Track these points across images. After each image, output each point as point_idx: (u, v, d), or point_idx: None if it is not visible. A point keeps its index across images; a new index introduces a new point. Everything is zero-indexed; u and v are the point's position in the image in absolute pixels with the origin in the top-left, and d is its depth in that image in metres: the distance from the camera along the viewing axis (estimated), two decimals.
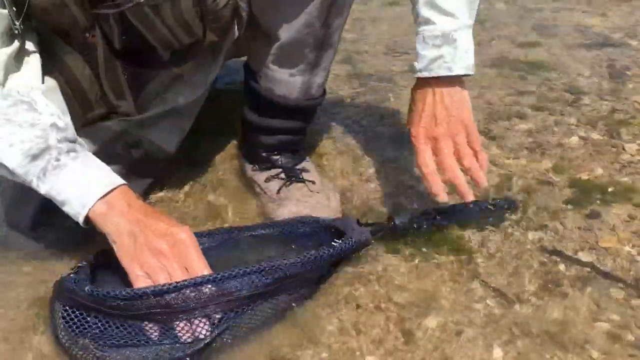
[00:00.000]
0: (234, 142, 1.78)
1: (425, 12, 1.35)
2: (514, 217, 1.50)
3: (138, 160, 1.48)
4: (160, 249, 1.04)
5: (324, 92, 1.59)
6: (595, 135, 1.82)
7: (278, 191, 1.55)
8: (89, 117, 1.34)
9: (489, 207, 1.46)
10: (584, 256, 1.38)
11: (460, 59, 1.34)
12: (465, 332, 1.19)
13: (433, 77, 1.34)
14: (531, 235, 1.45)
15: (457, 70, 1.34)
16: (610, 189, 1.59)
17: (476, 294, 1.28)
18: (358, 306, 1.25)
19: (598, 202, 1.54)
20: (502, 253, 1.39)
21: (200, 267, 1.05)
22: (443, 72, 1.34)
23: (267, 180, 1.58)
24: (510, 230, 1.46)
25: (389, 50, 2.54)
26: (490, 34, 2.69)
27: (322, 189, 1.56)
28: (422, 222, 1.39)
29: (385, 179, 1.67)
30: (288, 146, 1.60)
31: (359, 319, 1.22)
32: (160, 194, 1.61)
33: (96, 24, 1.22)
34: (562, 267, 1.36)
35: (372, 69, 2.39)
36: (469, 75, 1.37)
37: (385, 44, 2.63)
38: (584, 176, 1.65)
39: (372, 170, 1.71)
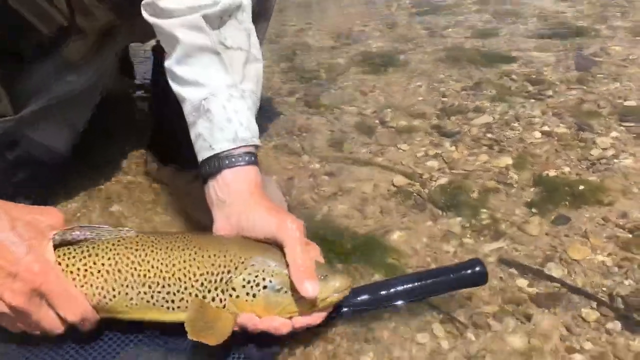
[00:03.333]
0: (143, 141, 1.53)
1: (175, 89, 1.10)
2: (467, 224, 1.27)
3: (17, 164, 1.23)
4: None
5: None
6: (561, 129, 1.61)
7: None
8: None
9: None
10: (551, 270, 1.15)
11: (222, 130, 1.04)
12: None
13: (204, 162, 1.06)
14: (487, 246, 1.22)
15: (219, 145, 1.04)
16: (580, 188, 1.36)
17: (421, 319, 1.04)
18: None
19: (566, 204, 1.32)
20: None
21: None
22: (206, 154, 1.05)
23: (190, 180, 1.34)
24: (463, 239, 1.23)
25: (336, 39, 2.29)
26: (445, 21, 2.47)
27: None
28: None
29: (323, 175, 1.47)
30: None
31: None
32: (57, 202, 1.36)
33: None
34: (524, 283, 1.13)
35: (314, 63, 2.17)
36: (247, 147, 1.04)
37: (331, 33, 2.40)
38: (550, 174, 1.43)
39: (310, 167, 1.51)
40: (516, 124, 1.65)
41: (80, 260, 0.94)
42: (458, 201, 1.35)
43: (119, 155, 1.53)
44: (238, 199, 1.01)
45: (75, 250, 0.94)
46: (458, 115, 1.70)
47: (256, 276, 0.91)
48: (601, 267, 1.15)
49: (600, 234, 1.23)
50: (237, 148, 1.03)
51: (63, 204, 1.36)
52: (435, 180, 1.42)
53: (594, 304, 1.07)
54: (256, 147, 1.07)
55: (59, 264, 0.93)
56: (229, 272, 0.92)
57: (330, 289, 0.93)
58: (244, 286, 0.91)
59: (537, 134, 1.60)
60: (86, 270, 0.93)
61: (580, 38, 2.24)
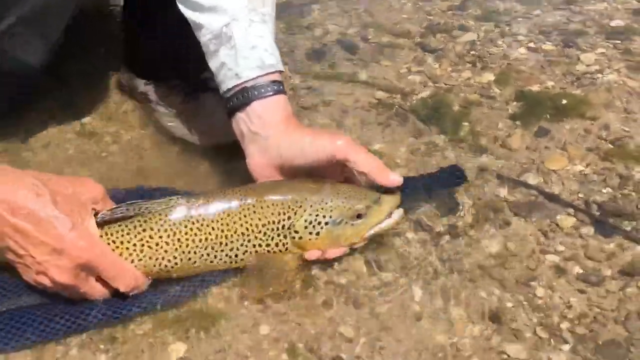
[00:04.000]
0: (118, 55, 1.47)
1: (189, 15, 1.05)
2: (449, 138, 1.26)
3: None
4: None
5: None
6: (547, 46, 1.58)
7: (181, 103, 1.29)
8: None
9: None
10: (530, 179, 1.15)
11: (246, 58, 1.00)
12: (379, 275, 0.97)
13: (230, 92, 1.02)
14: (469, 158, 1.21)
15: (246, 73, 0.99)
16: (563, 102, 1.35)
17: (399, 228, 1.04)
18: None
19: (548, 117, 1.31)
20: None
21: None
22: (231, 83, 1.01)
23: (166, 93, 1.31)
24: (445, 152, 1.22)
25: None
26: None
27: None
28: None
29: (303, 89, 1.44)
30: (187, 51, 1.32)
31: None
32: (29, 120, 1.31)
33: None
34: (504, 192, 1.13)
35: None
36: (274, 74, 1.00)
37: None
38: (534, 89, 1.41)
39: (291, 81, 1.46)
40: (501, 42, 1.61)
41: (136, 236, 0.92)
42: (440, 114, 1.33)
43: (93, 70, 1.47)
44: (275, 131, 0.98)
45: (128, 227, 0.92)
46: (443, 33, 1.66)
47: (316, 215, 0.93)
48: (579, 176, 1.15)
49: (581, 145, 1.23)
50: (263, 75, 0.99)
51: (35, 121, 1.32)
52: (417, 94, 1.40)
53: (571, 211, 1.08)
54: (281, 72, 1.02)
55: (113, 242, 0.91)
56: (289, 217, 0.93)
57: (384, 211, 0.96)
58: (306, 227, 0.93)
59: (523, 50, 1.56)
60: (143, 245, 0.92)
61: None
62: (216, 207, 0.93)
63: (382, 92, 1.41)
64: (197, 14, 1.03)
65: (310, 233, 0.93)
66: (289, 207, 0.93)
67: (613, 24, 1.69)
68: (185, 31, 1.30)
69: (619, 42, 1.59)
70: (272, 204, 0.93)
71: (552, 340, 0.86)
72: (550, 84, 1.42)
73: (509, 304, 0.91)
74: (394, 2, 1.83)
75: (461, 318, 0.90)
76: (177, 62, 1.32)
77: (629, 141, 1.23)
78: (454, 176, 1.13)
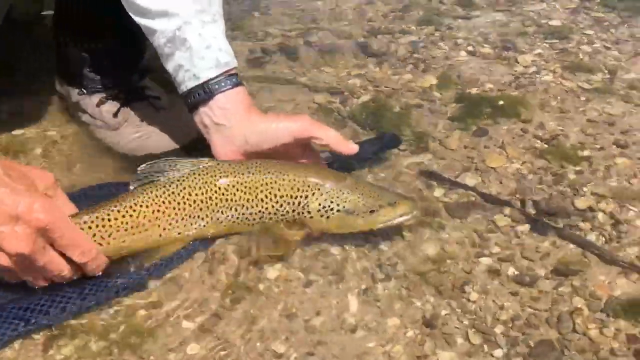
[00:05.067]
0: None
1: (140, 21, 1.05)
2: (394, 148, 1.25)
3: None
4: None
5: None
6: (486, 49, 1.59)
7: (115, 115, 1.24)
8: None
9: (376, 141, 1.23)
10: (467, 180, 1.15)
11: (202, 59, 1.03)
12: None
13: (190, 91, 1.05)
14: (407, 159, 1.20)
15: (205, 74, 1.03)
16: (500, 103, 1.36)
17: (331, 235, 1.02)
18: None
19: (486, 117, 1.32)
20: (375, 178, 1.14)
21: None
22: (191, 84, 1.04)
23: (100, 103, 1.27)
24: (380, 154, 1.21)
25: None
26: None
27: (172, 105, 1.27)
28: None
29: None
30: (121, 60, 1.29)
31: None
32: None
33: None
34: (440, 193, 1.12)
35: None
36: (230, 70, 1.04)
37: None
38: (473, 91, 1.41)
39: None
40: (442, 44, 1.62)
41: (172, 194, 0.96)
42: (380, 117, 1.32)
43: (25, 80, 1.42)
44: (238, 120, 1.03)
45: (164, 185, 0.96)
46: (385, 36, 1.66)
47: (331, 202, 0.98)
48: (515, 175, 1.15)
49: (518, 144, 1.23)
50: (221, 73, 1.03)
51: None
52: (357, 98, 1.39)
53: (507, 211, 1.08)
54: (235, 68, 1.06)
55: (147, 203, 0.94)
56: (306, 197, 0.97)
57: (397, 213, 0.99)
58: (319, 210, 0.98)
59: (463, 53, 1.57)
60: (178, 202, 0.96)
61: None
62: (242, 171, 0.99)
63: (322, 97, 1.40)
64: (149, 20, 1.04)
65: (322, 216, 0.99)
66: (309, 187, 0.99)
67: (552, 23, 1.72)
68: (118, 40, 1.28)
69: (556, 41, 1.61)
70: (294, 179, 0.99)
71: (485, 345, 0.85)
72: (488, 86, 1.43)
73: (444, 311, 0.90)
74: (337, 7, 1.83)
75: (395, 325, 0.88)
76: (110, 72, 1.29)
77: (564, 140, 1.24)
78: (391, 141, 1.23)
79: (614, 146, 1.23)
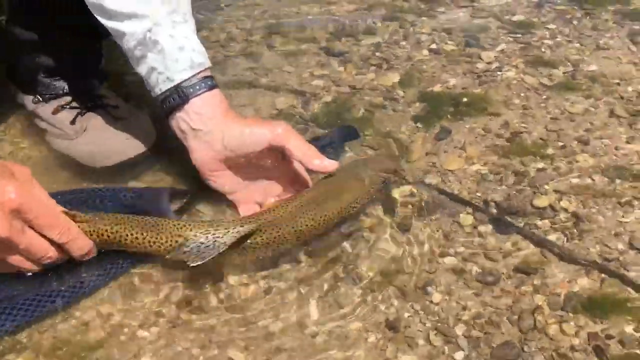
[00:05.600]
0: None
1: (108, 23, 1.02)
2: (353, 141, 1.25)
3: None
4: None
5: None
6: (449, 46, 1.59)
7: (72, 122, 1.22)
8: None
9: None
10: (430, 179, 1.15)
11: (176, 61, 1.00)
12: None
13: (164, 95, 1.02)
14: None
15: (179, 76, 1.00)
16: (464, 100, 1.36)
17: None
18: None
19: (449, 116, 1.31)
20: None
21: None
22: (165, 86, 1.01)
23: (56, 111, 1.24)
24: (347, 154, 1.21)
25: None
26: None
27: (131, 113, 1.25)
28: None
29: None
30: (77, 66, 1.26)
31: None
32: None
33: None
34: (402, 193, 1.12)
35: None
36: (204, 71, 1.01)
37: None
38: (436, 89, 1.41)
39: None
40: (405, 43, 1.61)
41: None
42: (343, 119, 1.31)
43: None
44: (216, 124, 1.01)
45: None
46: (348, 36, 1.65)
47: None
48: (477, 175, 1.15)
49: (480, 144, 1.23)
50: (196, 74, 1.00)
51: None
52: (319, 99, 1.38)
53: (470, 210, 1.07)
54: (210, 68, 1.03)
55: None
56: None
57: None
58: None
59: (425, 52, 1.57)
60: None
61: None
62: None
63: (283, 100, 1.38)
64: (117, 22, 1.00)
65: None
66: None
67: (515, 18, 1.72)
68: (74, 44, 1.25)
69: (519, 36, 1.62)
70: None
71: (446, 347, 0.85)
72: (452, 82, 1.43)
73: (407, 313, 0.90)
74: (301, 6, 1.81)
75: (358, 330, 0.88)
76: (66, 78, 1.26)
77: (527, 137, 1.25)
78: (349, 133, 1.25)
79: (576, 142, 1.24)
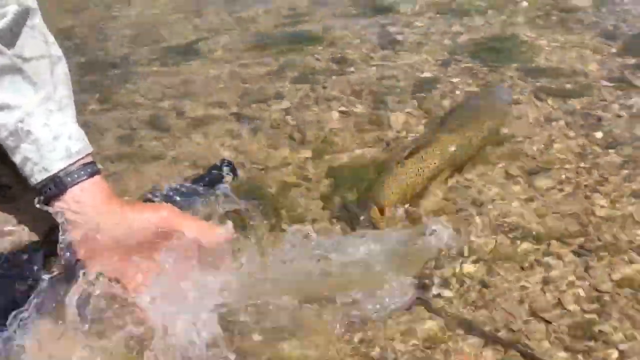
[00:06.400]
0: None
1: None
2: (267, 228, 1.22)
3: None
4: None
5: None
6: (358, 109, 1.59)
7: None
8: None
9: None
10: None
11: (51, 151, 0.97)
12: None
13: (40, 184, 0.98)
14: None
15: (55, 166, 0.97)
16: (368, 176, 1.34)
17: None
18: None
19: (355, 193, 1.30)
20: None
21: None
22: (41, 176, 0.97)
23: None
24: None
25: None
26: (254, 12, 2.31)
27: (24, 195, 1.18)
28: None
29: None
30: None
31: None
32: None
33: None
34: None
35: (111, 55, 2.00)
36: (84, 158, 0.98)
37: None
38: (343, 160, 1.41)
39: None
40: (315, 108, 1.61)
41: None
42: (255, 197, 1.28)
43: None
44: (97, 214, 0.97)
45: None
46: (258, 102, 1.64)
47: None
48: None
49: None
50: (74, 163, 0.97)
51: None
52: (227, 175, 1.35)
53: None
54: (90, 153, 1.00)
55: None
56: None
57: None
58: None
59: (336, 115, 1.57)
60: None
61: (385, 15, 2.19)
62: None
63: (191, 173, 1.35)
64: None
65: None
66: None
67: (423, 75, 1.75)
68: None
69: (424, 95, 1.63)
70: None
71: None
72: (358, 153, 1.42)
73: None
74: (211, 70, 1.80)
75: None
76: None
77: (427, 205, 1.26)
78: (226, 169, 1.28)
79: (472, 206, 1.25)
